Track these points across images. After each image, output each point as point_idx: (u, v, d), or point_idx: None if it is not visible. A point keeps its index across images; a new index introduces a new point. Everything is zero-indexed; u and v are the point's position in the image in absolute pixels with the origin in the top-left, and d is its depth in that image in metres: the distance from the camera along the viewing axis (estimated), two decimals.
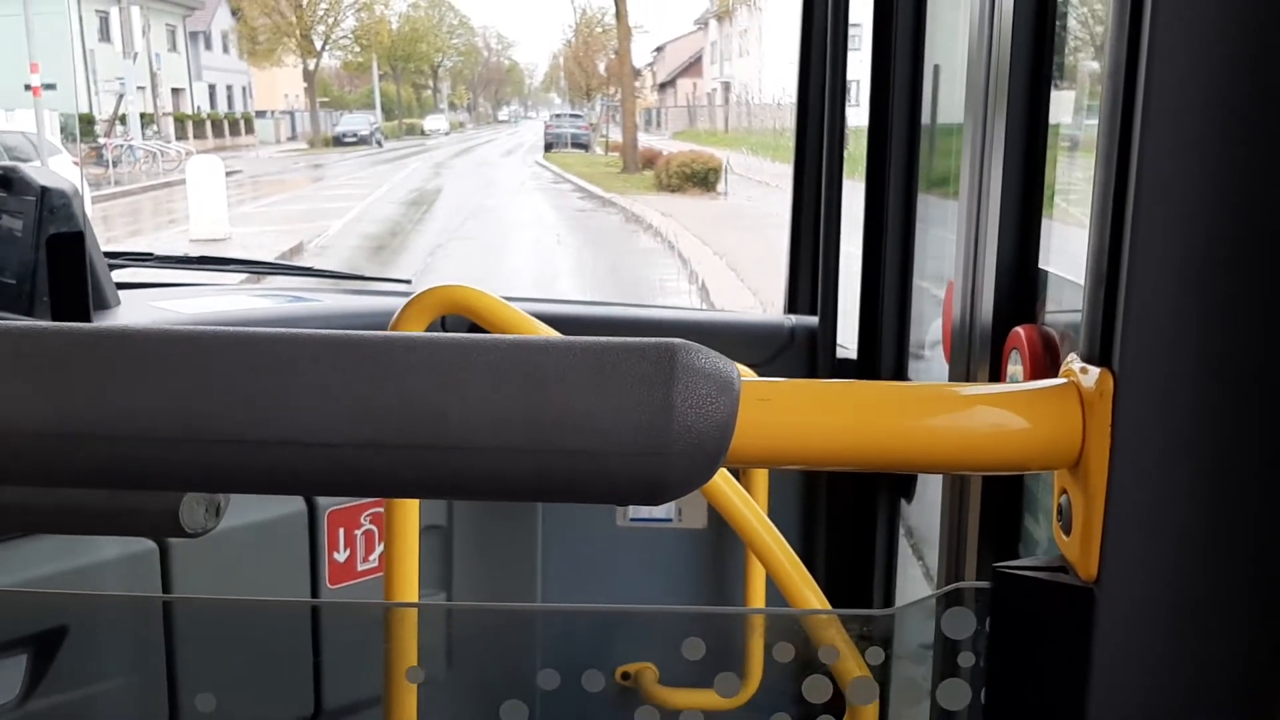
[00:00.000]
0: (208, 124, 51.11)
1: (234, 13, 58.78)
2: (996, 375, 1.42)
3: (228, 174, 32.60)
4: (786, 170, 2.39)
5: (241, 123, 56.37)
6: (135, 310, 2.13)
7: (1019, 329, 1.34)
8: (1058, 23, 1.39)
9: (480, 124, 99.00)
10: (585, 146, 45.95)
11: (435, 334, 0.62)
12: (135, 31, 34.96)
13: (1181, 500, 0.65)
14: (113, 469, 0.61)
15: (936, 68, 1.90)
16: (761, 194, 21.50)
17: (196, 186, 14.81)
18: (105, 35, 42.72)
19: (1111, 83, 0.64)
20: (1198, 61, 0.61)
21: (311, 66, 59.61)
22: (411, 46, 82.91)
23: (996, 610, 0.72)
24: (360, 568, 2.17)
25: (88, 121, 37.58)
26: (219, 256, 2.82)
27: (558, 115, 53.44)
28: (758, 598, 2.15)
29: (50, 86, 35.62)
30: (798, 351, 2.29)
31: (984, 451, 0.69)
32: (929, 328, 1.94)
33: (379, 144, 54.75)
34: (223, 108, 60.00)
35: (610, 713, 0.87)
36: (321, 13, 60.45)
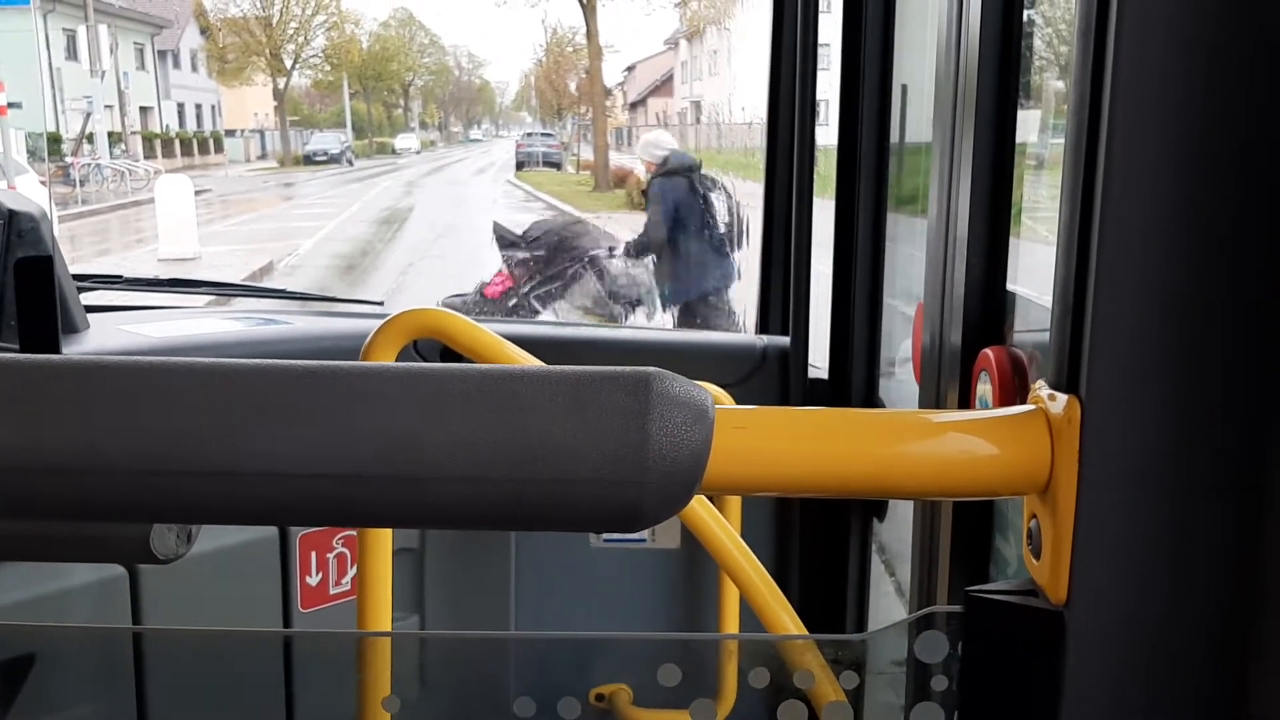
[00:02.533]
0: (176, 143, 50.83)
1: (203, 31, 58.49)
2: (966, 396, 1.43)
3: (197, 193, 32.54)
4: (757, 189, 2.40)
5: (211, 141, 56.09)
6: (104, 334, 2.11)
7: (988, 350, 1.35)
8: (1024, 44, 1.40)
9: (452, 143, 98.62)
10: (557, 165, 45.93)
11: (412, 364, 0.61)
12: (102, 50, 34.73)
13: (1149, 525, 0.66)
14: (87, 502, 0.60)
15: (904, 87, 1.90)
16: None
17: (165, 206, 14.73)
18: (72, 53, 42.39)
19: (1075, 117, 0.65)
20: (1162, 92, 0.62)
21: (281, 85, 59.33)
22: (382, 65, 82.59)
23: (968, 634, 0.73)
24: (332, 591, 2.16)
25: (55, 140, 37.30)
26: (188, 279, 2.80)
27: (529, 134, 53.57)
28: (731, 617, 2.15)
29: (15, 105, 35.36)
30: (770, 372, 2.30)
31: (955, 478, 0.70)
32: (899, 346, 1.94)
33: (350, 163, 54.48)
34: (192, 126, 59.68)
35: None
36: (291, 31, 60.23)
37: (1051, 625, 0.69)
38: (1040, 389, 0.70)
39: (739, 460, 0.67)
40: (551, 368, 0.62)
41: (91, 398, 0.59)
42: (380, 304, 2.89)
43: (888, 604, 2.01)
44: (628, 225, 20.27)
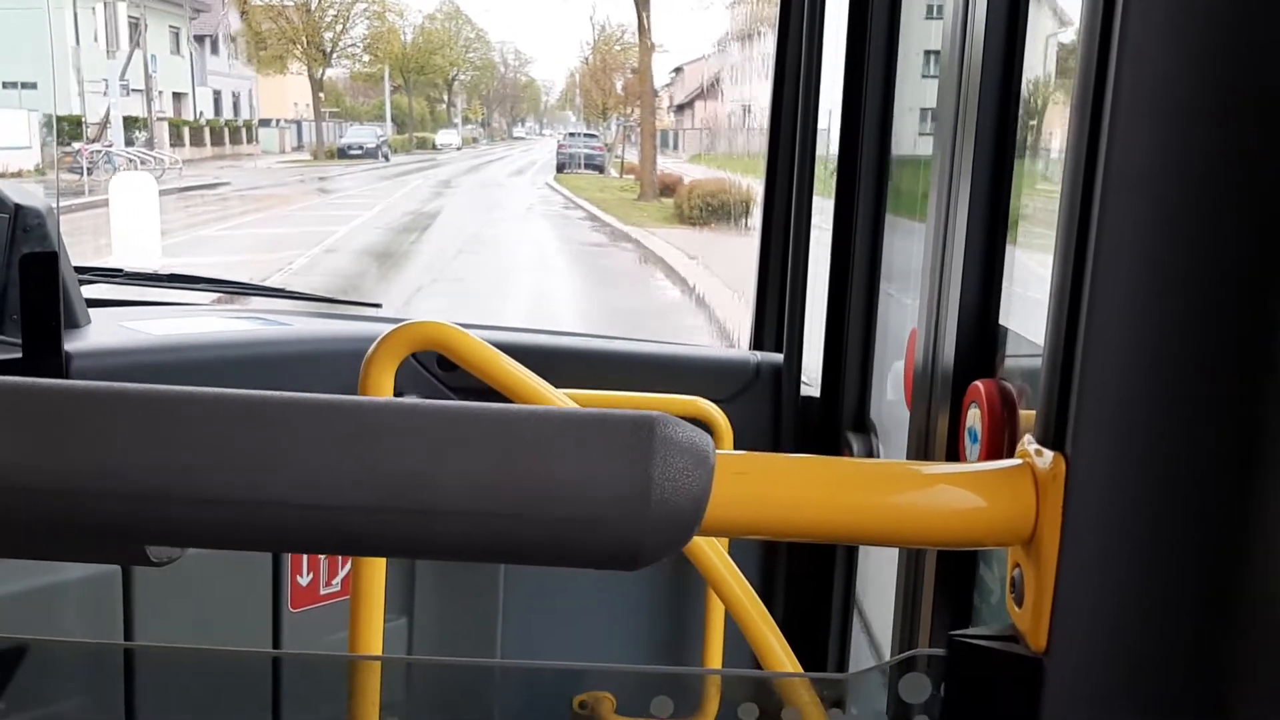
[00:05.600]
0: (206, 131, 48.80)
1: (243, 16, 56.59)
2: (956, 426, 1.44)
3: (214, 185, 30.33)
4: (822, 203, 2.11)
5: (244, 131, 54.10)
6: (105, 330, 2.12)
7: (978, 383, 1.37)
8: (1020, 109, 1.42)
9: (494, 140, 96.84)
10: (599, 168, 43.49)
11: (422, 401, 0.64)
12: (120, 29, 32.59)
13: (1129, 579, 0.69)
14: (92, 526, 0.62)
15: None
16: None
17: (121, 209, 12.30)
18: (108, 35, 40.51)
19: (1070, 185, 0.68)
20: (1151, 164, 0.65)
21: (318, 74, 57.26)
22: (425, 58, 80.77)
23: (950, 677, 0.76)
24: (323, 591, 2.19)
25: (75, 123, 35.39)
26: (188, 275, 2.75)
27: (571, 134, 50.99)
28: (716, 633, 2.20)
29: (30, 86, 33.42)
30: (763, 388, 2.32)
31: (943, 528, 0.73)
32: (891, 366, 1.94)
33: (385, 157, 52.46)
34: (229, 115, 57.82)
35: None
36: (330, 19, 58.16)
37: (1031, 672, 0.71)
38: (1028, 443, 0.72)
39: (736, 505, 0.70)
40: (559, 409, 0.64)
41: (98, 424, 0.60)
42: (379, 305, 3.01)
43: (868, 645, 2.03)
44: (679, 245, 17.88)
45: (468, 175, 41.40)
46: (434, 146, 69.66)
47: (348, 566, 1.86)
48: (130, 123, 41.58)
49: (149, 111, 42.10)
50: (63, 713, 1.64)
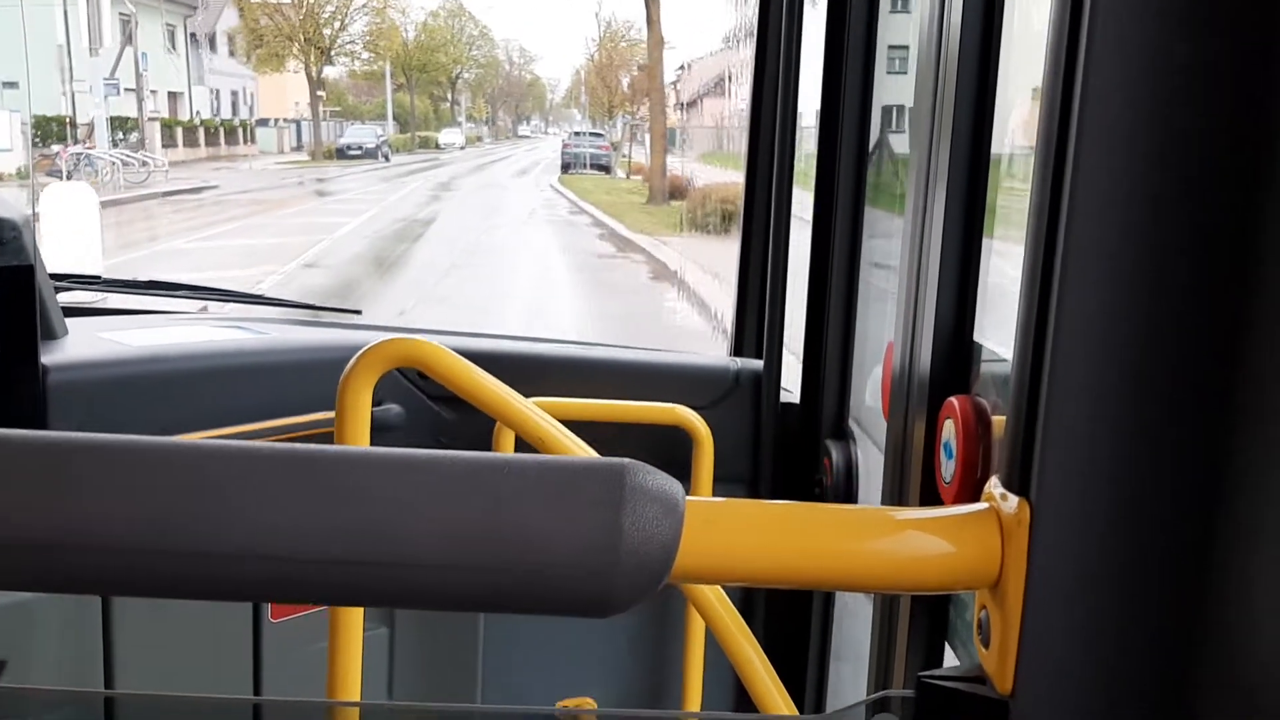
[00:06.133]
0: (201, 131, 47.30)
1: (240, 13, 55.11)
2: (932, 441, 1.46)
3: (199, 189, 28.83)
4: (806, 197, 2.12)
5: (242, 131, 52.59)
6: (82, 342, 2.10)
7: (953, 399, 1.39)
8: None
9: (499, 139, 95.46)
10: (606, 168, 41.95)
11: (392, 451, 0.64)
12: (105, 25, 31.09)
13: (1094, 622, 0.70)
14: (62, 579, 0.62)
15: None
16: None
17: (54, 224, 10.69)
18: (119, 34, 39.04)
19: (1035, 224, 0.70)
20: (1112, 218, 0.66)
21: (316, 73, 55.74)
22: (428, 56, 79.40)
23: (919, 718, 0.77)
24: None
25: (62, 124, 33.98)
26: (166, 281, 2.74)
27: (577, 133, 49.39)
28: (696, 650, 2.19)
29: (11, 85, 32.03)
30: (742, 395, 2.30)
31: (911, 574, 0.74)
32: (870, 373, 1.96)
33: (386, 158, 51.00)
34: (228, 114, 56.37)
35: None
36: (328, 15, 56.62)
37: (998, 714, 0.72)
38: (994, 487, 0.74)
39: (707, 552, 0.70)
40: (530, 457, 0.65)
41: (68, 476, 0.61)
42: (359, 313, 3.04)
43: (846, 680, 2.05)
44: (693, 256, 16.25)
45: (469, 176, 39.87)
46: (437, 146, 68.31)
47: None
48: (120, 123, 40.28)
49: (140, 111, 40.62)
50: None
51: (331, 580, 0.61)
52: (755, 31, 2.36)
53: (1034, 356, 0.69)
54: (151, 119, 41.67)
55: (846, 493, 2.00)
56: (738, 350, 2.51)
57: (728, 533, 0.71)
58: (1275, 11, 0.63)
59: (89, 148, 30.06)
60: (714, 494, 2.20)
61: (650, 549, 0.62)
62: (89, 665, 1.91)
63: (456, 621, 2.36)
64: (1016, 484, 0.71)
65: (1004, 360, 1.38)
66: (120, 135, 38.96)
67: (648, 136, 35.18)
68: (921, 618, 1.54)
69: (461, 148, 69.27)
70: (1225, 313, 0.66)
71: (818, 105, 2.00)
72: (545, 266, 16.32)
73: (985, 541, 0.71)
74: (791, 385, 2.24)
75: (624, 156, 43.02)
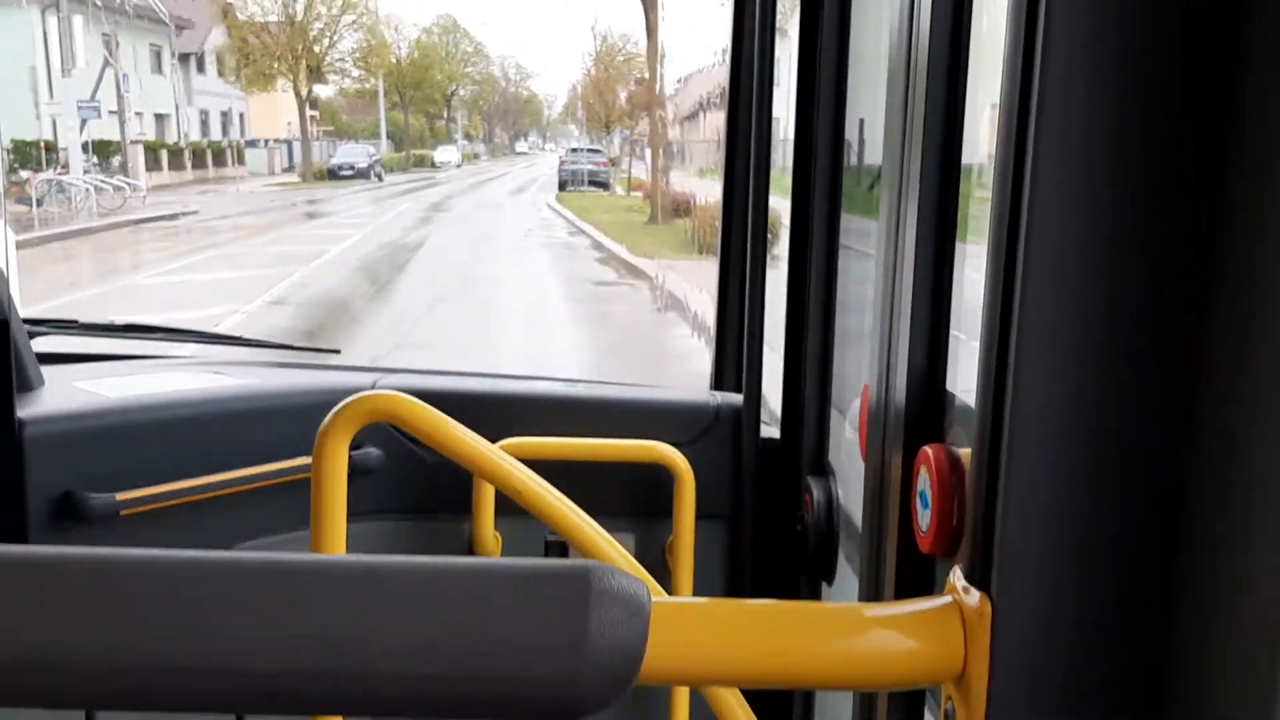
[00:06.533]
0: (187, 154, 45.94)
1: (229, 32, 53.83)
2: (908, 488, 1.46)
3: (175, 216, 27.40)
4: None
5: (231, 152, 51.22)
6: (59, 394, 2.09)
7: (927, 449, 1.40)
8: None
9: (496, 156, 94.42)
10: (604, 185, 40.58)
11: (355, 559, 0.64)
12: (76, 45, 29.71)
13: (1057, 711, 0.71)
14: (33, 696, 0.62)
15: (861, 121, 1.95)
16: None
17: None
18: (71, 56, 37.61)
19: (991, 291, 0.71)
20: (1068, 293, 0.68)
21: (305, 92, 54.41)
22: (422, 73, 78.30)
23: None
24: None
25: (45, 149, 32.62)
26: (144, 325, 2.72)
27: (574, 150, 47.96)
28: (682, 698, 2.17)
29: None
30: (723, 430, 2.29)
31: (877, 670, 0.75)
32: (850, 406, 1.94)
33: (379, 177, 49.72)
34: (218, 135, 55.06)
35: None
36: (316, 33, 55.28)
37: None
38: (956, 579, 0.75)
39: (675, 654, 0.71)
40: (494, 562, 0.65)
41: (38, 592, 0.61)
42: (337, 352, 3.07)
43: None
44: (701, 283, 14.57)
45: (463, 196, 38.48)
46: (432, 164, 67.11)
47: None
48: (102, 147, 38.97)
49: (122, 134, 39.29)
50: None
51: (297, 691, 0.60)
52: (728, 72, 2.40)
53: (990, 452, 0.71)
54: (135, 142, 40.31)
55: (828, 530, 1.92)
56: (717, 385, 2.51)
57: (695, 633, 0.71)
58: (1228, 11, 0.64)
59: (61, 173, 28.63)
60: (695, 530, 2.14)
61: (616, 653, 0.61)
62: None
63: None
64: (978, 578, 0.72)
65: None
66: (100, 159, 37.68)
67: (647, 151, 33.81)
68: (899, 707, 1.52)
69: (457, 165, 68.20)
70: (1179, 387, 0.67)
71: (791, 132, 1.99)
72: (541, 298, 14.77)
73: (948, 637, 0.73)
74: (771, 419, 2.25)
75: (623, 173, 41.65)
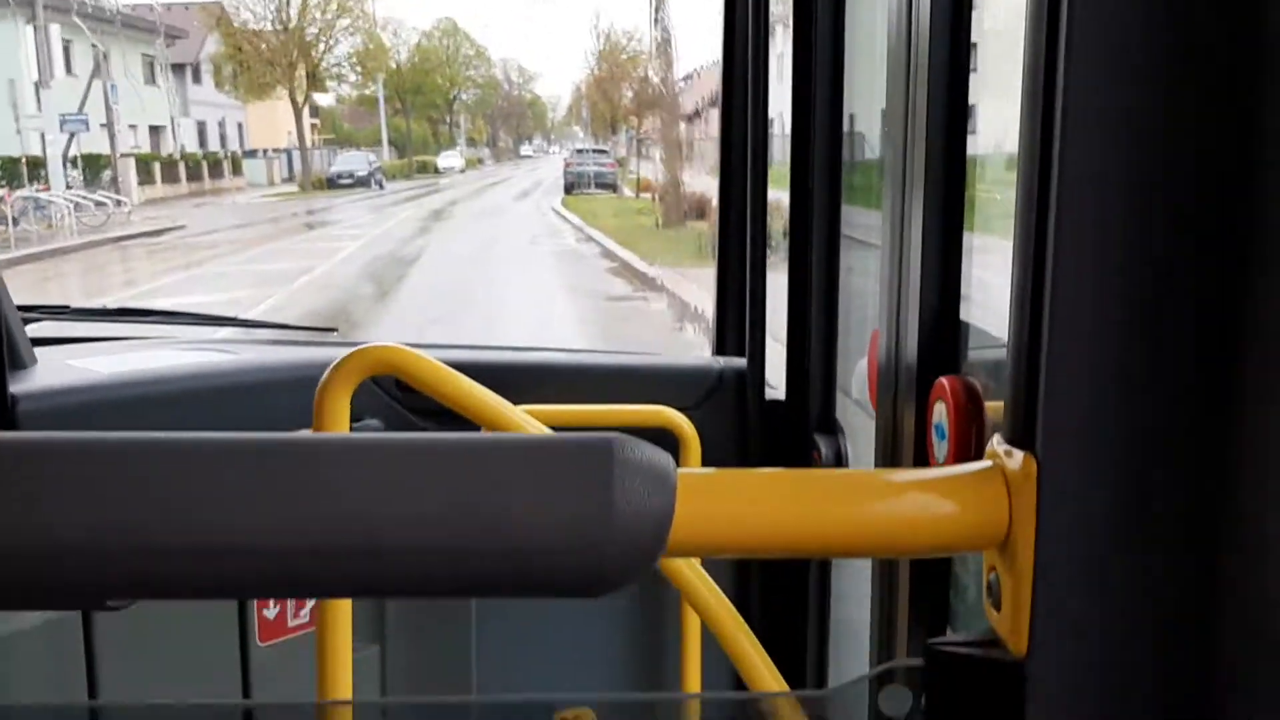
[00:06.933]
0: (181, 166, 44.56)
1: (225, 39, 52.49)
2: (923, 424, 1.46)
3: (159, 232, 25.95)
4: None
5: (227, 164, 49.88)
6: (51, 370, 2.10)
7: (943, 379, 1.38)
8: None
9: (500, 160, 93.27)
10: (612, 187, 39.07)
11: (369, 435, 0.63)
12: (54, 56, 28.29)
13: (1107, 576, 0.68)
14: (36, 585, 0.60)
15: (852, 117, 1.98)
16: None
17: None
18: (66, 66, 36.27)
19: (1025, 183, 0.68)
20: (1106, 164, 0.65)
21: (301, 99, 53.04)
22: (422, 78, 77.09)
23: (930, 687, 0.75)
24: (291, 623, 2.20)
25: (33, 164, 31.30)
26: (136, 308, 2.80)
27: (580, 151, 46.45)
28: (694, 646, 2.20)
29: None
30: (726, 394, 2.32)
31: (915, 536, 0.72)
32: (856, 366, 1.98)
33: (380, 185, 48.39)
34: (218, 146, 53.76)
35: None
36: (312, 37, 53.84)
37: (1012, 676, 0.70)
38: (997, 444, 0.72)
39: (701, 524, 0.68)
40: (512, 435, 0.65)
41: (38, 476, 0.59)
42: (334, 330, 3.40)
43: (848, 655, 2.05)
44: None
45: (466, 202, 37.05)
46: (436, 170, 65.85)
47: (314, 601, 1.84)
48: (92, 161, 37.68)
49: (112, 147, 37.93)
50: None
51: (310, 571, 0.59)
52: (722, 21, 2.41)
53: (1032, 303, 0.67)
54: (125, 155, 38.93)
55: None
56: (719, 349, 2.53)
57: (723, 503, 0.69)
58: None
59: (40, 190, 27.23)
60: None
61: (643, 524, 0.60)
62: (73, 695, 1.88)
63: (448, 635, 2.34)
64: (1021, 438, 0.69)
65: (995, 337, 1.39)
66: (90, 174, 36.34)
67: (654, 151, 32.31)
68: (922, 589, 1.51)
69: (461, 171, 66.99)
70: (1229, 248, 0.64)
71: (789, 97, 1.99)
72: (545, 318, 13.22)
73: (991, 500, 0.69)
74: (776, 382, 2.21)
75: (630, 174, 40.12)
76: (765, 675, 1.55)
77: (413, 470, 0.60)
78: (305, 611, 2.16)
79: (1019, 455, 0.68)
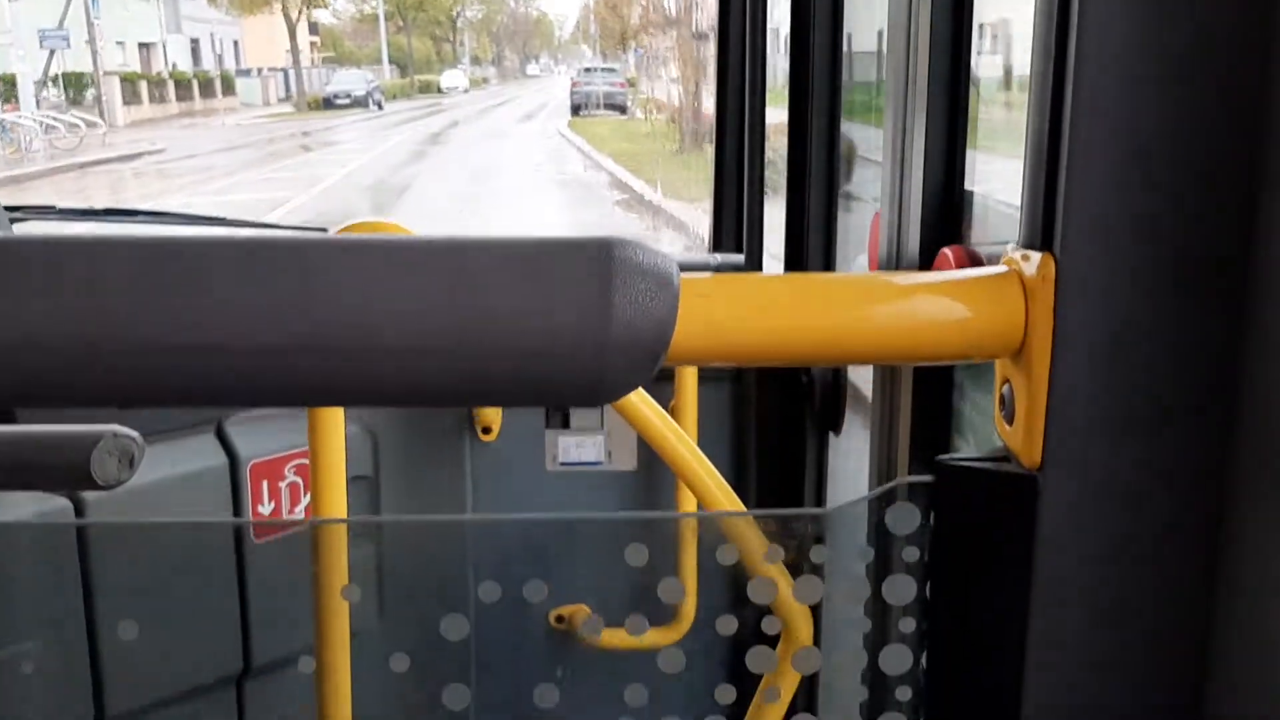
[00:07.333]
0: (170, 85, 42.40)
1: None
2: None
3: (144, 154, 24.16)
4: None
5: (219, 82, 47.66)
6: None
7: (946, 250, 1.35)
8: None
9: (506, 79, 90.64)
10: (621, 108, 36.87)
11: (362, 236, 0.65)
12: None
13: (1125, 385, 0.66)
14: (23, 384, 0.58)
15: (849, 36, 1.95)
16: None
17: None
18: None
19: None
20: None
21: (296, 13, 50.67)
22: None
23: (939, 503, 0.74)
24: (286, 519, 2.20)
25: (7, 84, 29.40)
26: (125, 209, 2.74)
27: (587, 69, 43.97)
28: (690, 535, 2.20)
29: None
30: None
31: (925, 341, 0.70)
32: (854, 260, 1.98)
33: (378, 105, 46.18)
34: (214, 64, 51.51)
35: (548, 657, 0.96)
36: None
37: (1025, 489, 0.69)
38: (1013, 251, 0.69)
39: (705, 329, 0.66)
40: (508, 237, 0.60)
41: (22, 275, 0.57)
42: (325, 230, 2.76)
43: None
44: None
45: (468, 124, 35.00)
46: (438, 90, 63.35)
47: (309, 495, 1.78)
48: (74, 80, 35.69)
49: (95, 65, 35.84)
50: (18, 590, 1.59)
51: (303, 371, 0.56)
52: None
53: (1053, 97, 0.63)
54: (109, 74, 36.84)
55: (834, 380, 1.94)
56: (717, 245, 2.48)
57: (728, 306, 0.66)
58: None
59: (10, 110, 25.33)
60: (699, 390, 2.14)
61: (644, 326, 0.57)
62: (66, 593, 1.81)
63: (443, 539, 2.19)
64: (1039, 239, 0.66)
65: (999, 202, 1.36)
66: (72, 93, 34.39)
67: (664, 71, 30.23)
68: (924, 411, 1.50)
69: (465, 90, 64.48)
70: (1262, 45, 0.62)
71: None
72: None
73: (1007, 304, 0.66)
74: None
75: (641, 94, 37.93)
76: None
77: (407, 270, 0.56)
78: (300, 509, 2.15)
79: (1036, 257, 0.65)
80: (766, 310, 0.67)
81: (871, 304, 0.68)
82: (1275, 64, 0.62)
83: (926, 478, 0.73)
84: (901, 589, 0.75)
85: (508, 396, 0.62)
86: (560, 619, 2.19)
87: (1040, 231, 0.65)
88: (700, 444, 1.94)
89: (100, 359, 0.55)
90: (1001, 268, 0.68)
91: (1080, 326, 0.65)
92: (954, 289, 0.69)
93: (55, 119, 25.15)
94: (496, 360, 0.57)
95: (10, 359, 0.55)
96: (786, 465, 2.18)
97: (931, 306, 0.69)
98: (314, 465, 1.66)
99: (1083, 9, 0.62)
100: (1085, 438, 0.67)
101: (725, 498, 1.63)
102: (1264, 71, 0.62)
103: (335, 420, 1.69)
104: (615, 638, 1.76)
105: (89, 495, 1.83)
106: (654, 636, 0.79)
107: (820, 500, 2.13)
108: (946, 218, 1.42)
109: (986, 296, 0.67)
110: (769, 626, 0.83)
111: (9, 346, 0.55)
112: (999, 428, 0.71)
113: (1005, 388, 0.70)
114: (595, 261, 0.57)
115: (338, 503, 1.63)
